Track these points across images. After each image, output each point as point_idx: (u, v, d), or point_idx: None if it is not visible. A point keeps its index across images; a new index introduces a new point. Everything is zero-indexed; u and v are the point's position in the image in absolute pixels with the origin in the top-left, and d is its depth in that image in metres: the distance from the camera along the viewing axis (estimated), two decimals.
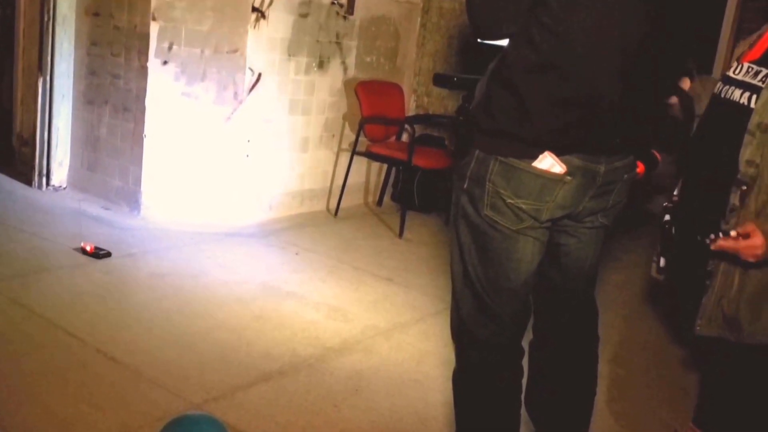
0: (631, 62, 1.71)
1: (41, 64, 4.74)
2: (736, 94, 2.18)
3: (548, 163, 1.75)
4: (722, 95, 2.23)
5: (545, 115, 1.73)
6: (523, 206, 1.80)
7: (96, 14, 4.69)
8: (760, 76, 2.08)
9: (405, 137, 5.44)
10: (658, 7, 1.71)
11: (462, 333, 2.00)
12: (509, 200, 1.80)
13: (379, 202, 5.54)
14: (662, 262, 2.34)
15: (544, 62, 1.71)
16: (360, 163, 5.34)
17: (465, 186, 1.86)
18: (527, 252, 1.87)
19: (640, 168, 2.10)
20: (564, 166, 1.76)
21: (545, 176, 1.76)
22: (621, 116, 1.77)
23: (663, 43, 1.75)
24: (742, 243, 1.89)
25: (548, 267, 2.02)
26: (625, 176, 1.89)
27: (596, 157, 1.79)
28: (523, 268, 1.88)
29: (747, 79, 2.13)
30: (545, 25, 1.68)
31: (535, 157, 1.75)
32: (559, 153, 1.75)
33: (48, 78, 4.76)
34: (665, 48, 1.77)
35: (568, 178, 1.77)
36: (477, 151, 1.83)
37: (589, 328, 2.12)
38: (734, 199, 2.00)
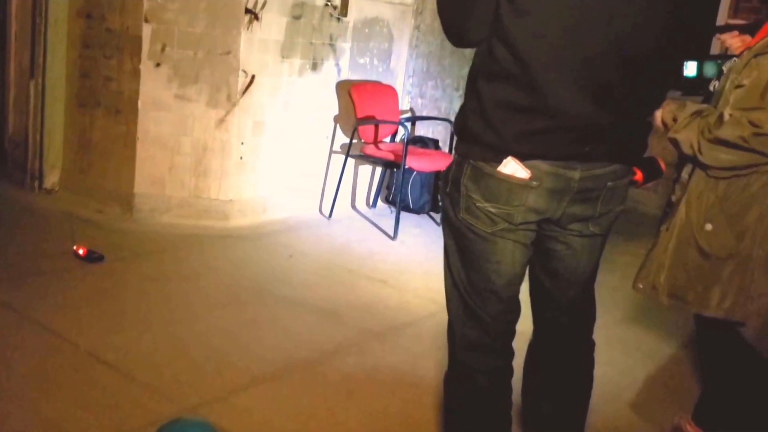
0: (598, 74, 1.70)
1: (33, 66, 4.72)
2: (712, 83, 2.33)
3: (512, 168, 1.76)
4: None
5: (505, 122, 1.75)
6: (492, 210, 1.81)
7: (88, 16, 4.67)
8: (728, 66, 2.22)
9: (399, 139, 5.44)
10: (629, 17, 1.68)
11: (451, 334, 2.02)
12: (478, 204, 1.82)
13: (373, 204, 5.54)
14: None
15: (501, 71, 1.73)
16: (353, 165, 5.34)
17: (447, 189, 1.90)
18: (506, 254, 1.87)
19: (639, 176, 2.11)
20: (528, 171, 1.76)
21: (510, 181, 1.77)
22: (590, 126, 1.75)
23: (642, 53, 1.72)
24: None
25: (540, 272, 2.02)
26: (609, 184, 1.86)
27: (569, 163, 1.78)
28: (504, 271, 1.89)
29: (725, 69, 2.27)
30: (500, 36, 1.70)
31: (500, 162, 1.77)
32: (522, 158, 1.76)
33: (40, 80, 4.74)
34: (646, 58, 1.74)
35: (535, 183, 1.77)
36: (456, 155, 1.88)
37: (582, 334, 2.11)
38: (684, 173, 2.31)
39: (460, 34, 1.81)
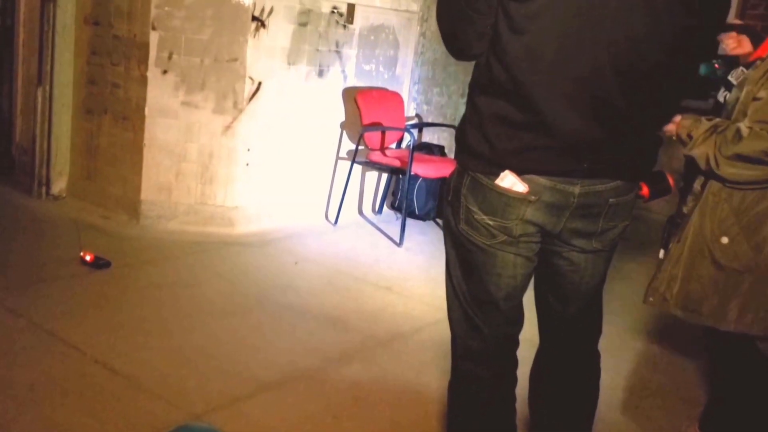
0: (595, 91, 1.68)
1: (41, 73, 4.74)
2: (720, 93, 2.30)
3: (510, 181, 1.75)
4: (716, 96, 2.35)
5: (500, 136, 1.74)
6: (490, 222, 1.80)
7: (96, 23, 4.70)
8: (741, 78, 2.19)
9: (404, 145, 5.45)
10: (627, 35, 1.66)
11: (453, 343, 2.03)
12: (477, 216, 1.81)
13: (379, 211, 5.54)
14: (662, 254, 2.41)
15: (497, 86, 1.73)
16: (359, 171, 5.35)
17: (449, 198, 1.89)
18: (507, 267, 1.86)
19: (645, 191, 2.09)
20: (526, 185, 1.75)
21: (508, 194, 1.76)
22: (586, 143, 1.73)
23: (643, 70, 1.70)
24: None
25: (543, 287, 2.02)
26: (612, 200, 1.83)
27: (568, 178, 1.76)
28: (504, 283, 1.88)
29: (732, 79, 2.24)
30: (497, 52, 1.70)
31: (497, 175, 1.76)
32: (519, 173, 1.75)
33: (48, 87, 4.76)
34: (648, 74, 1.71)
35: (533, 197, 1.76)
36: (457, 165, 1.88)
37: (587, 346, 2.10)
38: (696, 185, 2.28)
39: (459, 47, 1.81)
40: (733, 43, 2.31)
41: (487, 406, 1.98)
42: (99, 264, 3.83)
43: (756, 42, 2.35)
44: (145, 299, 3.55)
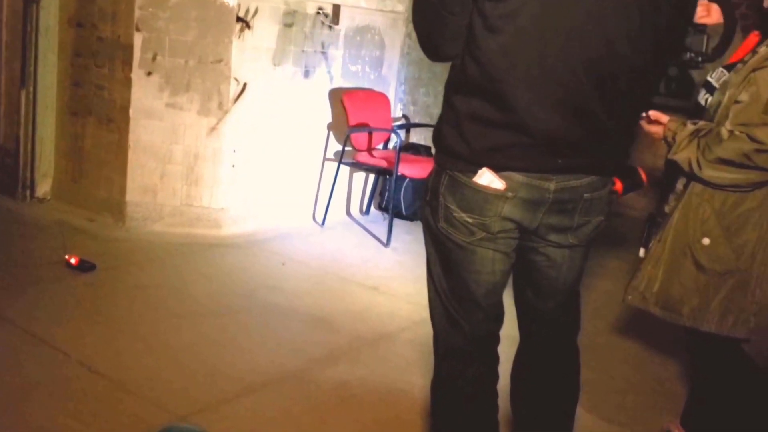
0: (571, 90, 1.70)
1: (24, 75, 4.72)
2: (701, 95, 2.30)
3: (487, 179, 1.77)
4: (697, 97, 2.34)
5: (477, 135, 1.77)
6: (469, 220, 1.82)
7: (79, 25, 4.68)
8: (722, 79, 2.19)
9: (391, 146, 5.45)
10: (603, 37, 1.68)
11: (435, 341, 2.05)
12: (455, 214, 1.83)
13: (366, 211, 5.54)
14: (642, 252, 2.42)
15: (473, 86, 1.75)
16: (346, 172, 5.35)
17: (428, 198, 1.91)
18: (486, 264, 1.88)
19: (618, 186, 2.10)
20: (503, 182, 1.77)
21: (486, 191, 1.78)
22: (561, 140, 1.75)
23: (618, 72, 1.72)
24: (646, 125, 2.27)
25: (521, 284, 2.04)
26: (586, 195, 1.85)
27: (543, 174, 1.79)
28: (483, 279, 1.89)
29: (713, 81, 2.24)
30: (472, 52, 1.72)
31: (475, 173, 1.78)
32: (496, 170, 1.77)
33: (31, 89, 4.73)
34: (623, 76, 1.73)
35: (510, 194, 1.78)
36: (435, 164, 1.90)
37: (566, 342, 2.11)
38: (679, 185, 2.30)
39: (435, 49, 1.83)
40: (703, 11, 2.24)
41: (470, 402, 1.99)
42: (84, 267, 3.81)
43: (727, 16, 2.29)
44: (130, 301, 3.54)
